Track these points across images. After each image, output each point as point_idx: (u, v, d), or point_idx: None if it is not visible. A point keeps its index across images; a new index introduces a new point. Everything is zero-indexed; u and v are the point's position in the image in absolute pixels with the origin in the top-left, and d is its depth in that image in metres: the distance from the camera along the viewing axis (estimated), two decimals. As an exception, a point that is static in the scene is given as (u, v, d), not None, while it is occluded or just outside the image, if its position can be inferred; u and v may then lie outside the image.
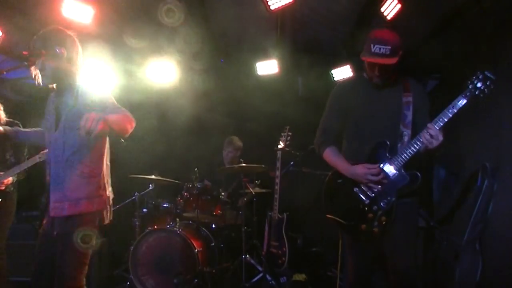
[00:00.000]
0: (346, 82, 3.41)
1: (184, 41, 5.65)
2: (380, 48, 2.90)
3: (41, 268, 2.90)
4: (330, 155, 3.20)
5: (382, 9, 4.74)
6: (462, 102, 2.77)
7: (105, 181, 3.08)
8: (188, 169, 5.76)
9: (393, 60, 2.92)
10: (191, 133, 6.87)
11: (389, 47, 2.89)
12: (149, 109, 6.65)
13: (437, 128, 2.77)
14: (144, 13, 5.24)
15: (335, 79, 6.29)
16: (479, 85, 2.75)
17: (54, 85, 3.06)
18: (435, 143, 2.75)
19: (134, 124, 2.99)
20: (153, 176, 5.40)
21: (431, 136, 2.75)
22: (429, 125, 2.79)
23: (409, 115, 3.03)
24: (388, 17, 4.75)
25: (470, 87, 2.78)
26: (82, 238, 2.82)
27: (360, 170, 2.97)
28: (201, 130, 6.95)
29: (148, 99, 6.51)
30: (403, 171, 2.92)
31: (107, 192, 3.09)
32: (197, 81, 6.59)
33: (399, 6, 4.68)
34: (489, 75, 2.75)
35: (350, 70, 6.18)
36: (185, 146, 6.69)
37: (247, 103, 6.50)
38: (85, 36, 5.13)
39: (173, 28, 5.23)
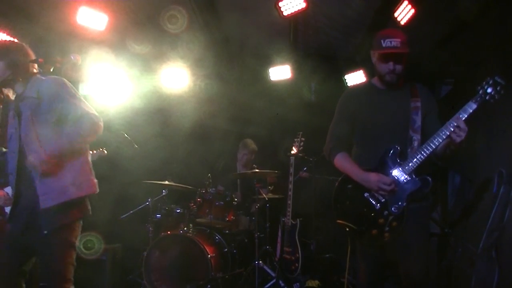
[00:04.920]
0: (355, 88, 3.42)
1: (187, 47, 5.69)
2: (391, 42, 2.94)
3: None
4: (341, 161, 3.16)
5: (396, 14, 4.72)
6: (472, 107, 2.77)
7: None
8: (193, 174, 5.76)
9: (405, 50, 2.95)
10: (199, 138, 6.88)
11: (399, 40, 2.94)
12: (152, 115, 6.68)
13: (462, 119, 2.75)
14: (147, 20, 5.29)
15: (349, 84, 6.26)
16: (489, 90, 2.75)
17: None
18: (461, 134, 2.72)
19: (94, 129, 2.92)
20: (166, 182, 5.42)
21: (459, 128, 2.72)
22: (455, 117, 2.77)
23: (418, 120, 3.03)
24: (402, 22, 4.73)
25: (480, 92, 2.78)
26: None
27: (373, 177, 2.94)
28: (207, 136, 6.93)
29: (151, 104, 6.56)
30: (414, 176, 2.91)
31: None
32: (204, 87, 6.59)
33: (412, 11, 4.66)
34: (499, 80, 2.75)
35: (364, 75, 6.15)
36: (189, 152, 6.70)
37: (257, 109, 6.49)
38: (89, 42, 5.25)
39: (176, 34, 5.28)
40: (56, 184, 2.86)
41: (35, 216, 2.86)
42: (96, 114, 2.94)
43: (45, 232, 2.80)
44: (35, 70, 2.96)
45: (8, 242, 2.92)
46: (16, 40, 3.03)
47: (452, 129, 2.75)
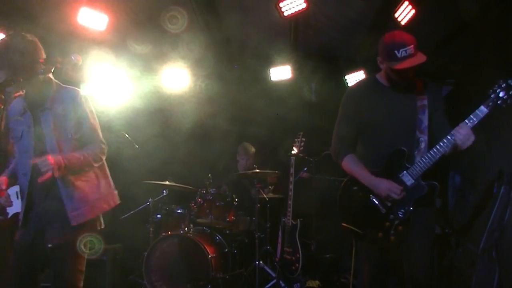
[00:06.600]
0: (358, 86, 3.26)
1: (187, 48, 5.69)
2: (406, 51, 2.76)
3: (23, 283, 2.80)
4: (350, 164, 3.07)
5: (396, 15, 4.71)
6: (483, 112, 2.69)
7: None
8: (194, 175, 5.75)
9: (423, 57, 2.79)
10: (199, 138, 6.88)
11: (412, 46, 2.78)
12: (152, 115, 6.69)
13: (470, 125, 2.70)
14: (147, 20, 5.29)
15: (349, 84, 6.26)
16: (501, 94, 2.67)
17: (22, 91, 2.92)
18: (468, 143, 2.68)
19: (100, 158, 3.02)
20: (167, 182, 5.42)
21: (464, 135, 2.68)
22: (461, 125, 2.72)
23: (425, 120, 2.93)
24: (402, 23, 4.73)
25: (492, 96, 2.69)
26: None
27: (384, 185, 2.87)
28: (207, 136, 6.93)
29: (152, 104, 6.56)
30: (421, 181, 2.85)
31: None
32: (204, 87, 6.58)
33: (413, 11, 4.66)
34: None
35: (364, 75, 6.14)
36: (190, 152, 6.70)
37: (258, 109, 6.49)
38: (90, 42, 5.24)
39: (176, 34, 5.28)
40: (84, 200, 2.88)
41: (43, 227, 2.81)
42: (104, 141, 3.04)
43: (49, 245, 2.77)
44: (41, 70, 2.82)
45: (19, 249, 2.83)
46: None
47: (460, 135, 2.69)
